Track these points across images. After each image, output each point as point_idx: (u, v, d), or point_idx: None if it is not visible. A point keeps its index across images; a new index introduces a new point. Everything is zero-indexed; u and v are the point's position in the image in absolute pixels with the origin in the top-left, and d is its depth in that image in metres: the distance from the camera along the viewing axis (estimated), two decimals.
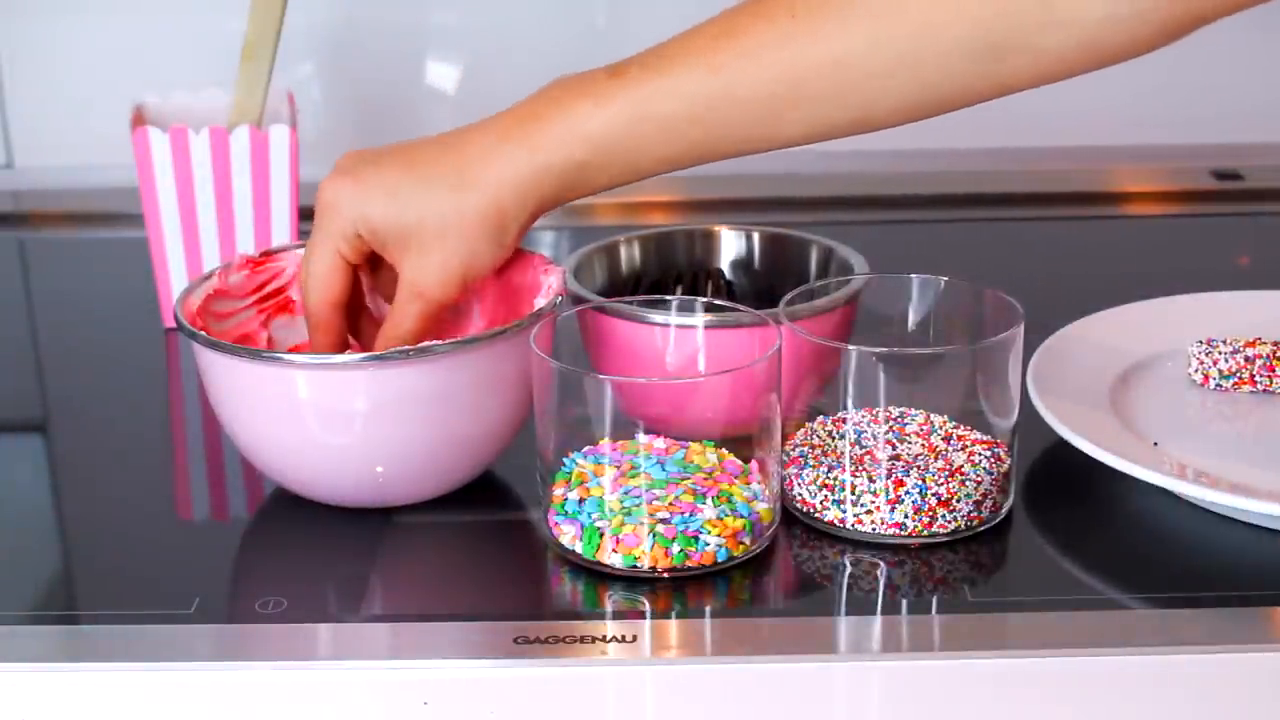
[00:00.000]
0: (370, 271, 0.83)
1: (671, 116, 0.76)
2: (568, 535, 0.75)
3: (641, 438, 0.76)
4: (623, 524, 0.74)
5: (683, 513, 0.74)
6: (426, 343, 0.76)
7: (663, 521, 0.73)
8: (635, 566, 0.74)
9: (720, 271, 0.93)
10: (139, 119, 1.03)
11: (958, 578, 0.74)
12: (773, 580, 0.75)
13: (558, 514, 0.76)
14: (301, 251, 0.84)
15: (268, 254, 0.86)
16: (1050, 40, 0.73)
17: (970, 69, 0.74)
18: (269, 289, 0.86)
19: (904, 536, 0.76)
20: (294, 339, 0.87)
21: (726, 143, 0.78)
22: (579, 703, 0.68)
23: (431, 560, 0.78)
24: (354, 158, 0.80)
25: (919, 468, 0.77)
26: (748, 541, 0.75)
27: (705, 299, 0.82)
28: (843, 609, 0.73)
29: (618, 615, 0.72)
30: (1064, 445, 0.81)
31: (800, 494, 0.78)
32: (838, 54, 0.74)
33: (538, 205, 0.78)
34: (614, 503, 0.74)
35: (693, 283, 0.92)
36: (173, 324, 1.02)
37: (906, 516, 0.76)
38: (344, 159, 0.80)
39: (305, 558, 0.78)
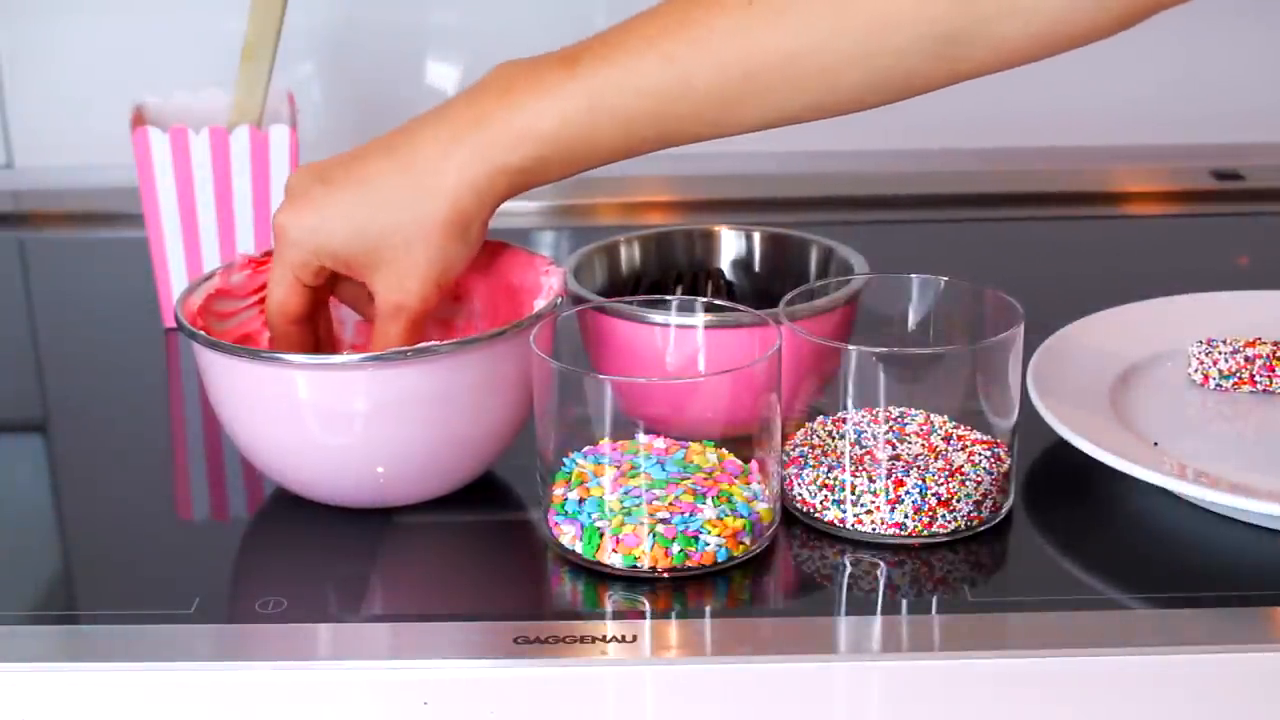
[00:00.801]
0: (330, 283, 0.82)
1: (625, 109, 0.75)
2: (568, 535, 0.75)
3: (641, 438, 0.76)
4: (623, 524, 0.74)
5: (683, 513, 0.74)
6: (427, 343, 0.76)
7: (663, 521, 0.73)
8: (635, 566, 0.74)
9: (720, 271, 0.93)
10: (139, 119, 1.03)
11: (958, 578, 0.74)
12: (773, 580, 0.75)
13: (558, 514, 0.76)
14: None
15: (270, 254, 0.86)
16: (1009, 28, 0.72)
17: (928, 59, 0.73)
18: None
19: (904, 536, 0.76)
20: None
21: (682, 132, 0.76)
22: (579, 703, 0.68)
23: (431, 560, 0.78)
24: (304, 179, 0.78)
25: (919, 468, 0.77)
26: (748, 541, 0.75)
27: (705, 299, 0.82)
28: (843, 609, 0.73)
29: (618, 615, 0.72)
30: (1064, 445, 0.81)
31: (800, 494, 0.78)
32: (793, 46, 0.73)
33: (497, 201, 0.77)
34: (614, 503, 0.74)
35: (693, 283, 0.92)
36: (173, 324, 1.02)
37: (906, 516, 0.76)
38: (293, 181, 0.79)
39: (305, 558, 0.78)
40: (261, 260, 0.86)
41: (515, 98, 0.75)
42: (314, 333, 0.83)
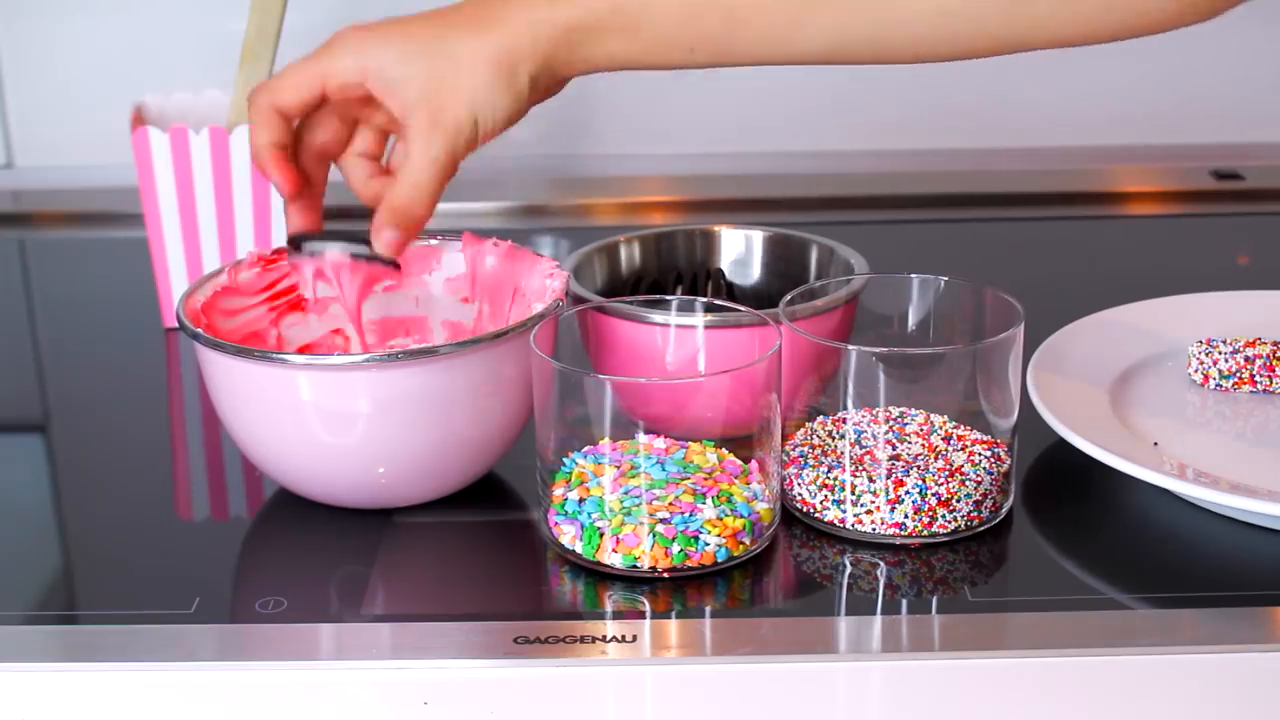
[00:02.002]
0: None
1: None
2: (568, 535, 0.75)
3: (641, 438, 0.76)
4: (623, 524, 0.74)
5: (683, 513, 0.74)
6: (428, 344, 0.76)
7: (663, 521, 0.73)
8: (635, 566, 0.74)
9: (720, 271, 0.93)
10: (139, 119, 1.03)
11: (958, 578, 0.74)
12: (773, 580, 0.75)
13: (558, 514, 0.76)
14: (317, 250, 0.81)
15: (280, 252, 0.86)
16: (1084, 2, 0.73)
17: (997, 10, 0.73)
18: (280, 287, 0.86)
19: (904, 536, 0.76)
20: (304, 337, 0.87)
21: (743, 40, 0.76)
22: (579, 703, 0.68)
23: (431, 560, 0.78)
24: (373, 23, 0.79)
25: (919, 468, 0.77)
26: (748, 541, 0.75)
27: (705, 299, 0.82)
28: (843, 609, 0.73)
29: (618, 615, 0.72)
30: (1064, 445, 0.81)
31: (800, 494, 0.78)
32: None
33: (547, 57, 0.77)
34: (614, 503, 0.74)
35: (693, 283, 0.92)
36: (173, 324, 1.02)
37: (906, 516, 0.76)
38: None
39: (305, 558, 0.78)
40: (271, 259, 0.85)
41: None
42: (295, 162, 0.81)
